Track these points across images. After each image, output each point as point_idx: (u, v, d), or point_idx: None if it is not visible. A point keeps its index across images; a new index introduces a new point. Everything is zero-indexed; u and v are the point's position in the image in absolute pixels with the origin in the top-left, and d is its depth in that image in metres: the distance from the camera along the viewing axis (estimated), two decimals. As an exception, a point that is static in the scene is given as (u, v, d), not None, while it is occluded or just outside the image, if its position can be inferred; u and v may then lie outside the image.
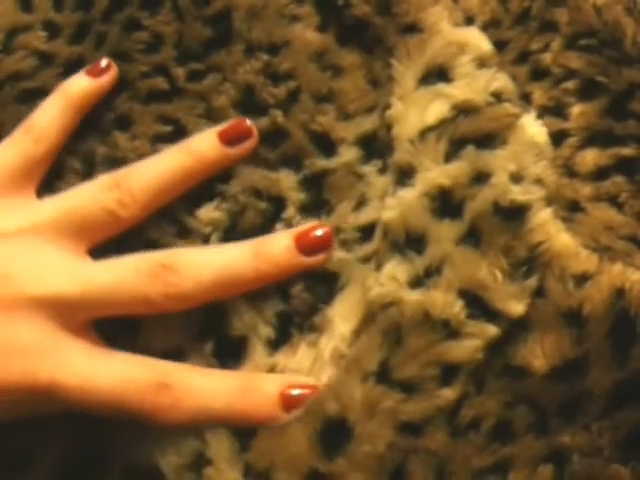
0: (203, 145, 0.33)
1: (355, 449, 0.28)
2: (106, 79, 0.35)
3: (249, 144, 0.33)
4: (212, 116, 0.34)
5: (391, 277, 0.29)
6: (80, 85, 0.34)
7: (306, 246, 0.31)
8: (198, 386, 0.29)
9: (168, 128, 0.34)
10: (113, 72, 0.35)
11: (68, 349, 0.29)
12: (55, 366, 0.29)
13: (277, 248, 0.31)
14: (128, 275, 0.30)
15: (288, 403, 0.29)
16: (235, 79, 0.34)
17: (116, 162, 0.34)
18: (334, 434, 0.28)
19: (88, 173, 0.34)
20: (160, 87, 0.35)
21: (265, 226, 0.32)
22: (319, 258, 0.31)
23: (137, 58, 0.35)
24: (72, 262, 0.31)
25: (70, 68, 0.36)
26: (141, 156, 0.33)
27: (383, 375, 0.28)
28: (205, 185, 0.33)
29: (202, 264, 0.30)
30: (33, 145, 0.33)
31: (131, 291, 0.30)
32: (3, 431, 0.31)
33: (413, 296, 0.29)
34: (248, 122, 0.33)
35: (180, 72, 0.35)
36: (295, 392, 0.29)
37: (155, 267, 0.30)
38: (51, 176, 0.34)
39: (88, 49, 0.36)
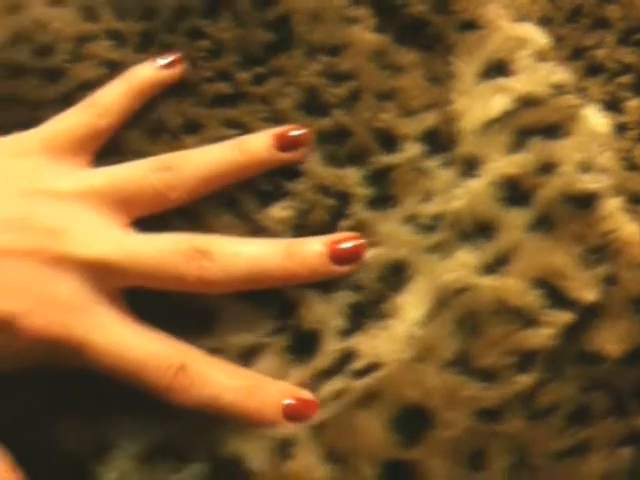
0: (257, 145, 0.33)
1: (435, 436, 0.28)
2: (171, 72, 0.36)
3: (302, 151, 0.33)
4: (276, 119, 0.34)
5: (462, 264, 0.30)
6: (146, 73, 0.36)
7: (338, 256, 0.31)
8: (212, 377, 0.30)
9: (234, 132, 0.35)
10: (180, 68, 0.36)
11: (103, 312, 0.31)
12: (90, 325, 0.30)
13: (309, 252, 0.31)
14: (167, 252, 0.31)
15: (289, 413, 0.30)
16: (297, 81, 0.34)
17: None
18: (412, 421, 0.28)
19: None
20: (224, 92, 0.35)
21: (332, 222, 0.32)
22: (348, 268, 0.31)
23: (201, 64, 0.36)
24: (115, 231, 0.32)
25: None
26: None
27: (462, 364, 0.29)
28: (276, 184, 0.33)
29: (236, 255, 0.31)
30: (96, 118, 0.35)
31: (167, 267, 0.31)
32: (85, 421, 0.31)
33: (486, 282, 0.29)
34: (304, 130, 0.33)
35: (243, 76, 0.35)
36: (295, 403, 0.30)
37: (192, 250, 0.31)
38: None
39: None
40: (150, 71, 0.36)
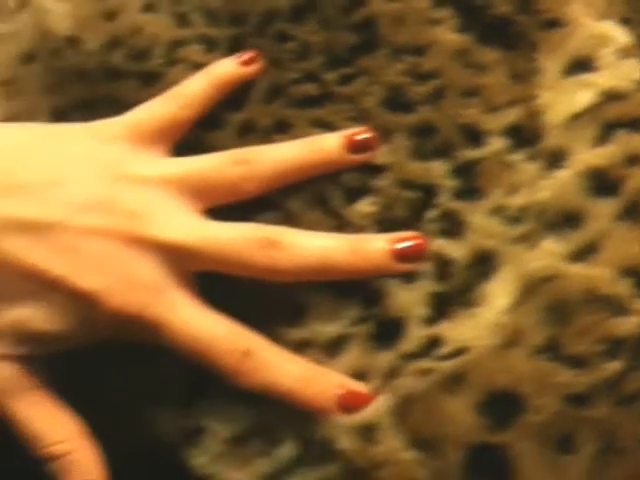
0: (329, 145, 0.35)
1: (525, 420, 0.28)
2: (249, 69, 0.37)
3: (371, 154, 0.34)
4: (361, 117, 0.35)
5: (548, 252, 0.30)
6: (226, 68, 0.37)
7: (400, 254, 0.32)
8: (273, 363, 0.32)
9: (321, 131, 0.36)
10: (258, 65, 0.37)
11: (177, 293, 0.33)
12: (165, 305, 0.32)
13: (373, 249, 0.32)
14: (240, 239, 0.33)
15: (342, 404, 0.31)
16: (382, 81, 0.35)
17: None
18: (501, 406, 0.29)
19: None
20: (311, 92, 0.36)
21: (416, 215, 0.33)
22: (410, 267, 0.32)
23: (289, 66, 0.37)
24: (192, 217, 0.34)
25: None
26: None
27: (553, 351, 0.29)
28: (362, 180, 0.34)
29: (304, 247, 0.33)
30: (178, 109, 0.36)
31: (239, 254, 0.32)
32: (178, 405, 0.33)
33: (575, 271, 0.29)
34: (371, 133, 0.34)
35: (330, 77, 0.36)
36: (348, 395, 0.31)
37: (263, 239, 0.32)
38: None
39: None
40: (230, 67, 0.37)
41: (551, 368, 0.29)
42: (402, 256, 0.32)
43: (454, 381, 0.29)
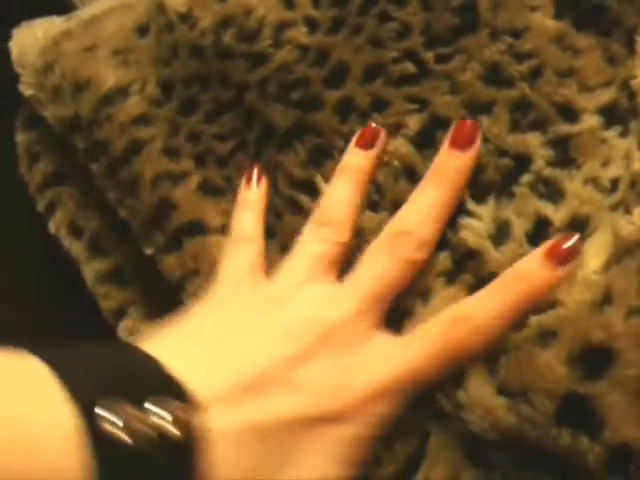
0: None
1: (618, 373, 0.28)
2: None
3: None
4: (457, 90, 0.36)
5: None
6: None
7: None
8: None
9: (416, 106, 0.36)
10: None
11: None
12: None
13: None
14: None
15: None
16: (481, 58, 0.36)
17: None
18: (596, 359, 0.28)
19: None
20: (409, 71, 0.37)
21: (507, 180, 0.34)
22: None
23: (389, 45, 0.38)
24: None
25: (322, 55, 0.38)
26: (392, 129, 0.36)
27: None
28: None
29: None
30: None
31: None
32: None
33: None
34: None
35: (429, 55, 0.37)
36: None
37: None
38: (320, 155, 0.37)
39: (341, 39, 0.38)
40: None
41: None
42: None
43: (548, 334, 0.29)
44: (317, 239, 0.35)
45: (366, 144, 0.36)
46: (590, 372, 0.28)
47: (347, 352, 0.31)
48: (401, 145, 0.36)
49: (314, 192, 0.37)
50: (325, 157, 0.37)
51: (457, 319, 0.31)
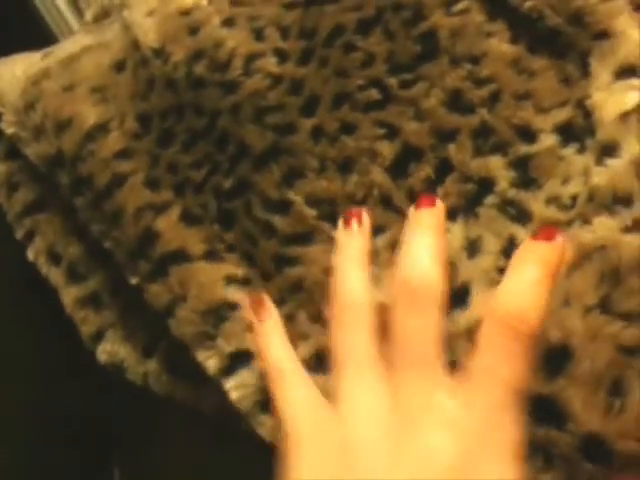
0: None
1: (575, 368, 0.30)
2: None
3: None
4: (422, 117, 0.36)
5: (602, 225, 0.32)
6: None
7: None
8: None
9: (385, 131, 0.37)
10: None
11: None
12: None
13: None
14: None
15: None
16: (442, 85, 0.37)
17: (345, 163, 0.37)
18: (555, 359, 0.30)
19: (322, 170, 0.38)
20: (374, 97, 0.38)
21: (471, 203, 0.35)
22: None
23: (354, 74, 0.38)
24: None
25: (296, 86, 0.39)
26: (363, 154, 0.37)
27: (604, 307, 0.30)
28: (430, 181, 0.36)
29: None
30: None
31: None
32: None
33: (628, 239, 0.31)
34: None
35: (392, 82, 0.38)
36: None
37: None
38: (294, 175, 0.38)
39: (312, 70, 0.39)
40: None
41: (601, 321, 0.30)
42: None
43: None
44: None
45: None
46: (551, 372, 0.30)
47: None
48: (378, 174, 0.37)
49: (289, 214, 0.38)
50: (299, 177, 0.38)
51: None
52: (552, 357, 0.30)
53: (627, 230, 0.31)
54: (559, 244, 0.31)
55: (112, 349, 0.43)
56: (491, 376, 0.30)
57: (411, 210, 0.35)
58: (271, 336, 0.36)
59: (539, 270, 0.31)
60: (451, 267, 0.34)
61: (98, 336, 0.44)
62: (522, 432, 0.30)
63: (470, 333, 0.32)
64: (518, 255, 0.32)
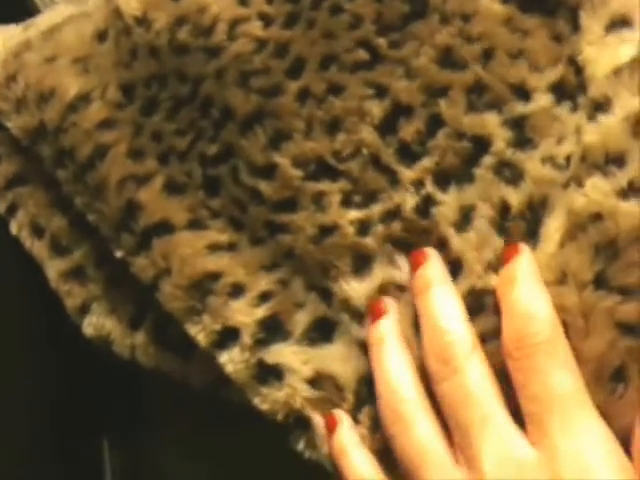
0: None
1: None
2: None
3: None
4: (412, 75, 0.34)
5: (595, 188, 0.29)
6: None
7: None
8: None
9: (374, 91, 0.35)
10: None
11: None
12: None
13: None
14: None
15: None
16: (433, 42, 0.35)
17: (332, 123, 0.35)
18: None
19: (309, 131, 0.35)
20: (363, 58, 0.36)
21: (468, 164, 0.32)
22: None
23: (342, 35, 0.36)
24: None
25: (282, 49, 0.37)
26: (352, 114, 0.35)
27: (600, 282, 0.28)
28: (421, 140, 0.33)
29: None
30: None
31: None
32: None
33: (625, 208, 0.28)
34: None
35: (381, 42, 0.35)
36: None
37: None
38: (280, 138, 0.36)
39: (298, 33, 0.37)
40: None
41: (597, 297, 0.28)
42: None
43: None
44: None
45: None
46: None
47: None
48: (368, 133, 0.35)
49: (275, 178, 0.35)
50: (285, 140, 0.36)
51: None
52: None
53: (623, 194, 0.29)
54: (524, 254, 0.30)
55: (98, 322, 0.41)
56: (545, 400, 0.28)
57: (412, 273, 0.32)
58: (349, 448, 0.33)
59: (519, 287, 0.29)
60: (444, 241, 0.32)
61: (83, 309, 0.42)
62: None
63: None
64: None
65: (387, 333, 0.32)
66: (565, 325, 0.28)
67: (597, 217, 0.29)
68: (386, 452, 0.32)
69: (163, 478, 0.47)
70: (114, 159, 0.39)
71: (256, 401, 0.35)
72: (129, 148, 0.39)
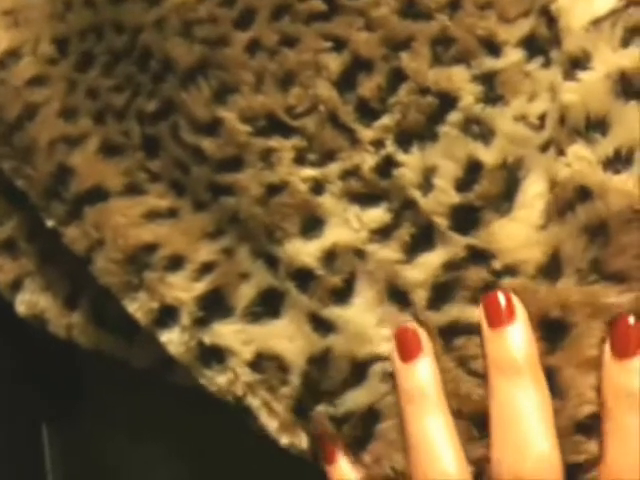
0: None
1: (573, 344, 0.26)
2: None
3: None
4: (373, 27, 0.30)
5: (579, 157, 0.26)
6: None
7: None
8: None
9: (330, 44, 0.31)
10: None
11: None
12: None
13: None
14: None
15: None
16: (395, -8, 0.31)
17: (286, 77, 0.31)
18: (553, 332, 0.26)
19: (259, 85, 0.31)
20: (318, 8, 0.32)
21: (433, 121, 0.29)
22: None
23: (295, -16, 0.32)
24: None
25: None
26: (307, 68, 0.31)
27: (596, 271, 0.26)
28: (381, 97, 0.30)
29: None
30: None
31: None
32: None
33: (615, 184, 0.26)
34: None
35: (338, -9, 0.31)
36: None
37: None
38: (227, 91, 0.31)
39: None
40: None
41: (598, 290, 0.26)
42: None
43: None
44: None
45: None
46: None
47: None
48: (324, 88, 0.31)
49: (219, 134, 0.31)
50: (232, 93, 0.31)
51: None
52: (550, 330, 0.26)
53: (609, 164, 0.26)
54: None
55: (31, 299, 0.37)
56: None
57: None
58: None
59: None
60: (412, 204, 0.28)
61: (16, 286, 0.38)
62: None
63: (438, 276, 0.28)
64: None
65: (428, 385, 0.27)
66: (569, 327, 0.25)
67: (585, 195, 0.26)
68: None
69: (111, 463, 0.42)
70: (44, 119, 0.35)
71: (203, 382, 0.31)
72: (61, 107, 0.35)
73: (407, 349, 0.27)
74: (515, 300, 0.26)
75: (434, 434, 0.27)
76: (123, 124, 0.34)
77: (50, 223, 0.34)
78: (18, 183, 0.35)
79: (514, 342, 0.26)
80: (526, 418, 0.25)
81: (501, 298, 0.26)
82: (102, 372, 0.40)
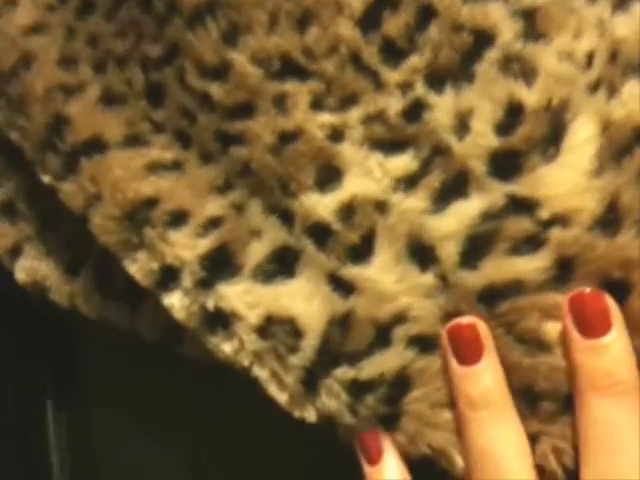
0: None
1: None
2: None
3: None
4: None
5: (634, 97, 0.23)
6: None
7: None
8: None
9: None
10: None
11: None
12: None
13: None
14: None
15: None
16: None
17: (303, 17, 0.27)
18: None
19: (273, 25, 0.28)
20: None
21: (468, 60, 0.26)
22: None
23: None
24: None
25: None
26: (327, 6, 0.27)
27: None
28: (410, 37, 0.26)
29: None
30: None
31: None
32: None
33: None
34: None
35: None
36: None
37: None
38: (237, 32, 0.28)
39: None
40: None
41: None
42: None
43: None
44: None
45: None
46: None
47: None
48: (346, 28, 0.27)
49: (229, 79, 0.28)
50: (243, 34, 0.28)
51: None
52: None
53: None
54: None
55: (32, 266, 0.34)
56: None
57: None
58: None
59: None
60: (445, 150, 0.25)
61: (15, 251, 0.35)
62: None
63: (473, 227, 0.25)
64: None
65: (495, 389, 0.24)
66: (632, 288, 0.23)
67: None
68: None
69: (117, 453, 0.40)
70: (41, 67, 0.32)
71: (210, 347, 0.28)
72: (60, 55, 0.32)
73: (467, 351, 0.24)
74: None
75: (501, 444, 0.24)
76: (125, 72, 0.30)
77: (46, 179, 0.31)
78: (12, 136, 0.32)
79: (614, 355, 0.23)
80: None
81: (608, 301, 0.23)
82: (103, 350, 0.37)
